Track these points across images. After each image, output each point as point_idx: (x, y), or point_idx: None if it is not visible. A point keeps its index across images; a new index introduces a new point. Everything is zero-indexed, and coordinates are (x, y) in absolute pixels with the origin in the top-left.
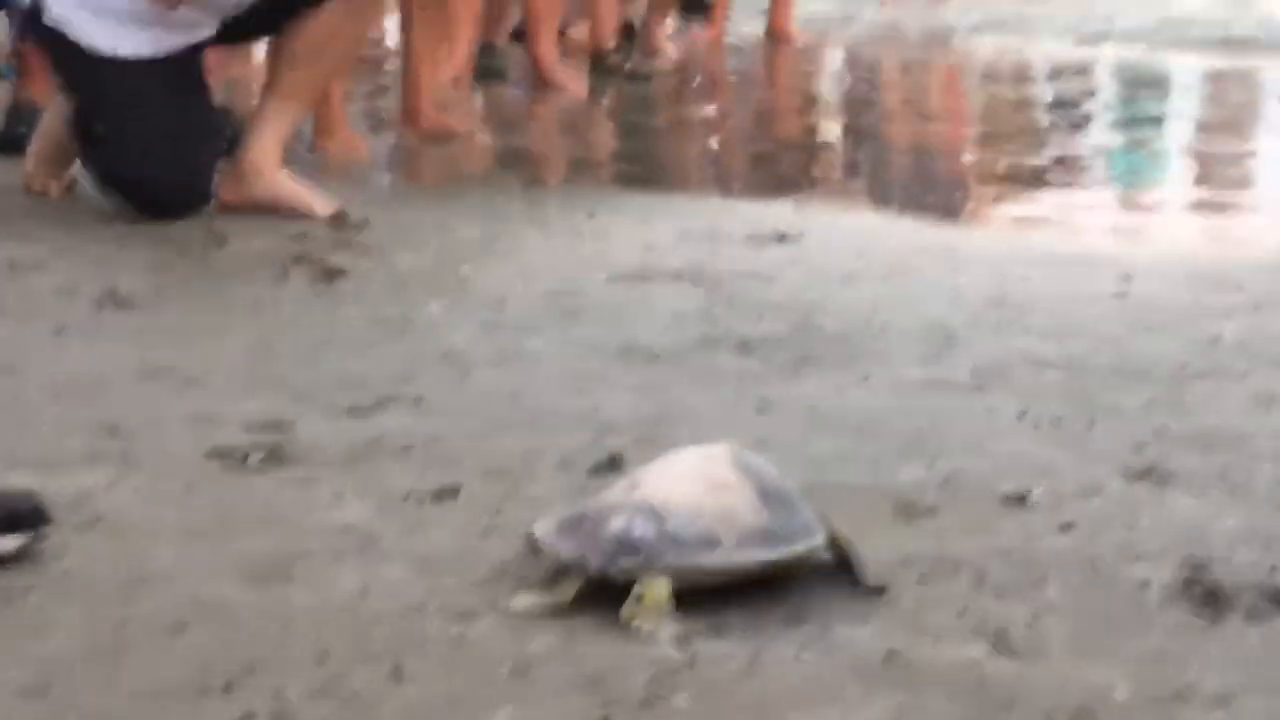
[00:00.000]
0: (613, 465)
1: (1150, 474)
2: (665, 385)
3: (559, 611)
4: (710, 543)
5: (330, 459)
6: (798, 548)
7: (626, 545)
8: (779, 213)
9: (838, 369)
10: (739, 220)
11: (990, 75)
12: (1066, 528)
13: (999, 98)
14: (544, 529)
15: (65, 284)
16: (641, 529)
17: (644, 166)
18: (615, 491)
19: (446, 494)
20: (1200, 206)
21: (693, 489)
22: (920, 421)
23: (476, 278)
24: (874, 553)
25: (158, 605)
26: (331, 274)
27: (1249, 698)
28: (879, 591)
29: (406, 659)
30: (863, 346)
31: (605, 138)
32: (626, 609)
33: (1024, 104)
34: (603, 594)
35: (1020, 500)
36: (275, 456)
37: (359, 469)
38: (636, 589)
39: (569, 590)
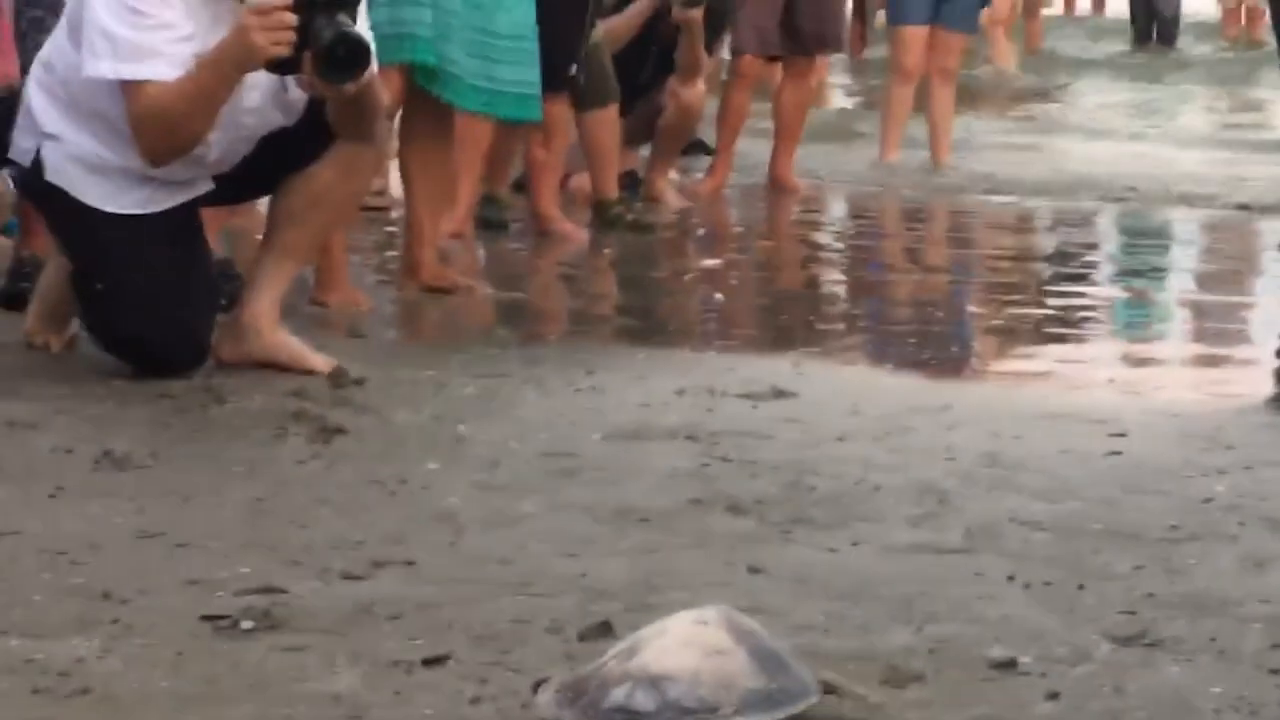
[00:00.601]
0: (603, 631)
1: (1139, 639)
2: (657, 548)
3: None
4: (711, 710)
5: (322, 625)
6: (796, 707)
7: (630, 718)
8: (776, 368)
9: (829, 531)
10: (737, 376)
11: (992, 226)
12: (1053, 695)
13: (1000, 248)
14: (544, 699)
15: (63, 443)
16: (643, 700)
17: (644, 320)
18: (612, 659)
19: (435, 662)
20: (1197, 360)
21: (690, 656)
22: (910, 585)
23: (473, 436)
24: None
25: None
26: (329, 433)
27: None
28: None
29: None
30: (854, 508)
31: (606, 290)
32: None
33: (1024, 255)
34: None
35: (1009, 666)
36: (267, 622)
37: (350, 635)
38: None
39: None
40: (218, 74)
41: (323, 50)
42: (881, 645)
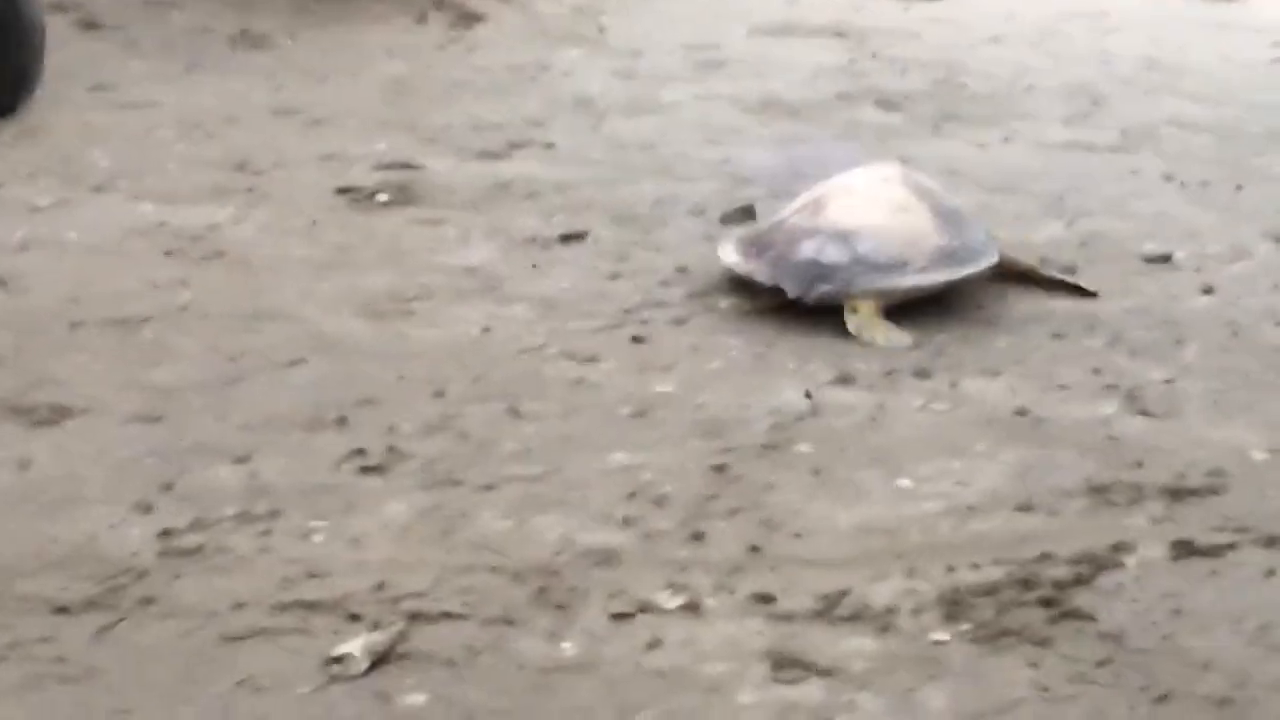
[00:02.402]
0: (746, 215)
1: None
2: (802, 139)
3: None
4: (900, 265)
5: (458, 201)
6: (980, 265)
7: (823, 271)
8: None
9: (981, 127)
10: None
11: None
12: (1208, 290)
13: None
14: (725, 252)
15: (200, 22)
16: (835, 254)
17: None
18: (795, 214)
19: (574, 238)
20: None
21: (876, 212)
22: (1063, 181)
23: (615, 27)
24: (1008, 307)
25: (275, 339)
26: (470, 19)
27: None
28: (1088, 293)
29: (524, 398)
30: (1007, 106)
31: None
32: (852, 322)
33: None
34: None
35: (1163, 260)
36: (403, 196)
37: (487, 211)
38: (845, 306)
39: (764, 306)
40: None
41: None
42: (1033, 236)
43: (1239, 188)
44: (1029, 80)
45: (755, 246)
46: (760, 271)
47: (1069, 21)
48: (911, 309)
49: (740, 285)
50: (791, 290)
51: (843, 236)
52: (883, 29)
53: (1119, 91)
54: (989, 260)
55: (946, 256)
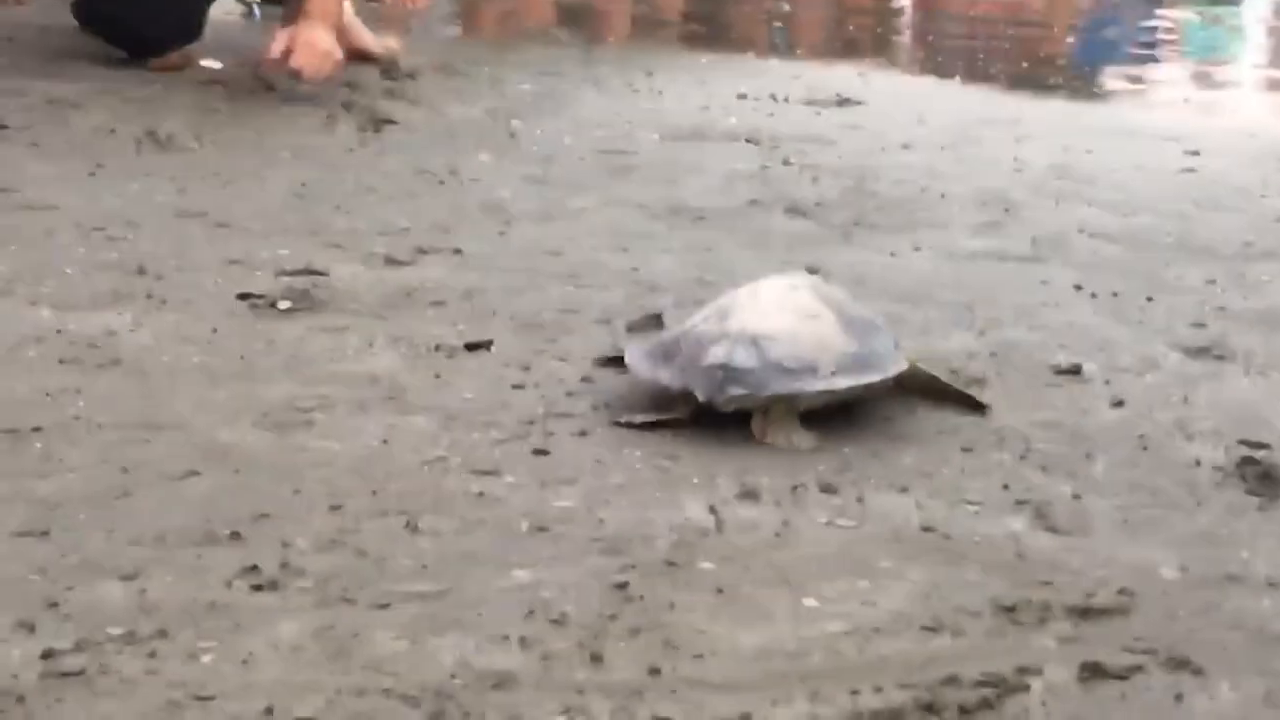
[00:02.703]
0: (653, 323)
1: (1208, 352)
2: (712, 246)
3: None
4: (810, 370)
5: (362, 307)
6: (889, 372)
7: (732, 375)
8: (842, 77)
9: (891, 235)
10: (800, 84)
11: None
12: (1118, 403)
13: None
14: (633, 359)
15: (105, 123)
16: (744, 358)
17: (709, 27)
18: (703, 321)
19: (478, 347)
20: (1272, 85)
21: (785, 318)
22: (973, 290)
23: (527, 132)
24: (917, 421)
25: (169, 450)
26: (380, 122)
27: None
28: (980, 407)
29: (423, 513)
30: (918, 214)
31: None
32: (755, 424)
33: None
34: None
35: (1073, 373)
36: (306, 302)
37: (391, 318)
38: (759, 409)
39: (675, 417)
40: None
41: None
42: (942, 347)
43: (1149, 299)
44: (940, 187)
45: (663, 353)
46: (668, 377)
47: (981, 128)
48: (818, 422)
49: (646, 395)
50: (701, 394)
51: (752, 341)
52: (795, 135)
53: (1030, 199)
54: (897, 368)
55: (855, 363)
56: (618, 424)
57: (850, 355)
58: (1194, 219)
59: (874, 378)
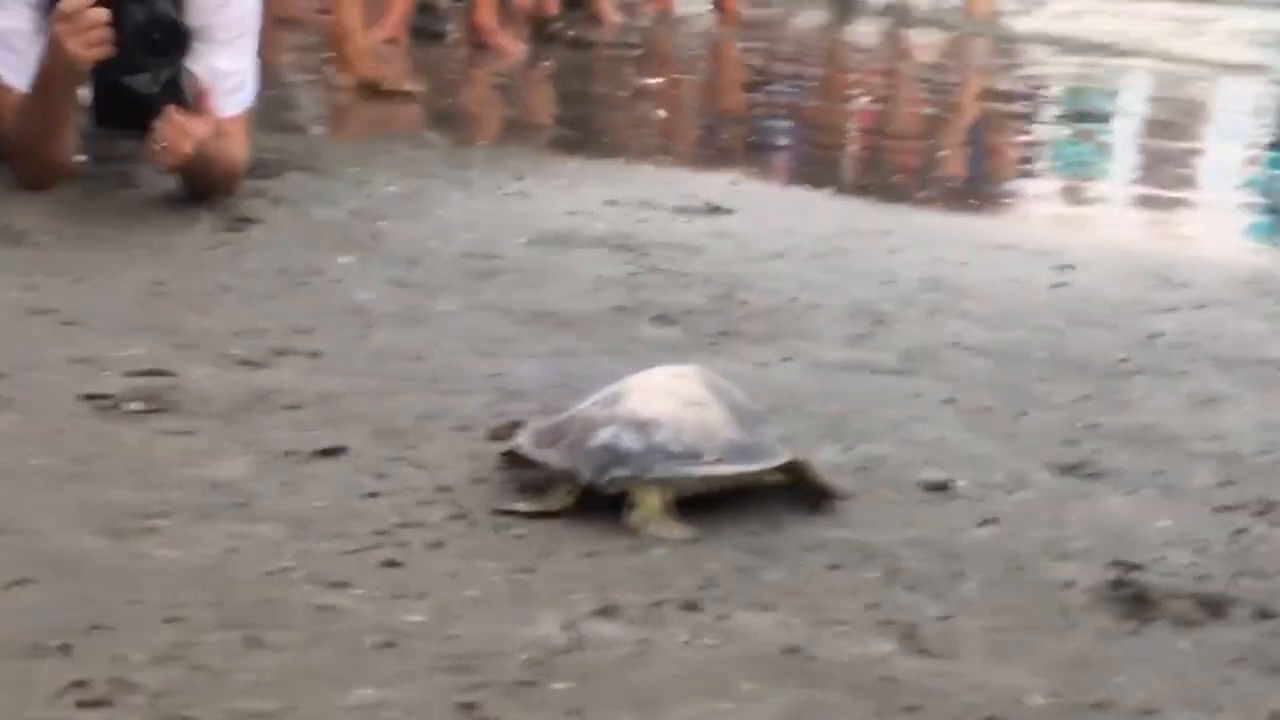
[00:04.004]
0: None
1: (1080, 470)
2: (576, 352)
3: (550, 515)
4: (694, 456)
5: (213, 411)
6: (773, 462)
7: (617, 457)
8: (712, 185)
9: (760, 345)
10: (671, 190)
11: (940, 63)
12: (989, 521)
13: (948, 84)
14: (522, 441)
15: None
16: (631, 442)
17: (579, 132)
18: (591, 405)
19: (332, 453)
20: (1144, 202)
21: (672, 405)
22: (841, 403)
23: (391, 234)
24: (783, 536)
25: (2, 556)
26: (241, 222)
27: (1175, 711)
28: (844, 497)
29: (265, 626)
30: (787, 324)
31: (541, 103)
32: (628, 516)
33: (975, 92)
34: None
35: (942, 489)
36: (155, 404)
37: (242, 423)
38: (630, 498)
39: (563, 499)
40: (48, 92)
41: (137, 35)
42: (810, 460)
43: (1020, 414)
44: (811, 298)
45: (549, 436)
46: (554, 458)
47: (851, 239)
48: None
49: (521, 487)
50: (586, 475)
51: (639, 425)
52: (664, 242)
53: (900, 312)
54: (782, 458)
55: (740, 451)
56: (498, 512)
57: (735, 443)
58: (1066, 334)
59: (758, 465)
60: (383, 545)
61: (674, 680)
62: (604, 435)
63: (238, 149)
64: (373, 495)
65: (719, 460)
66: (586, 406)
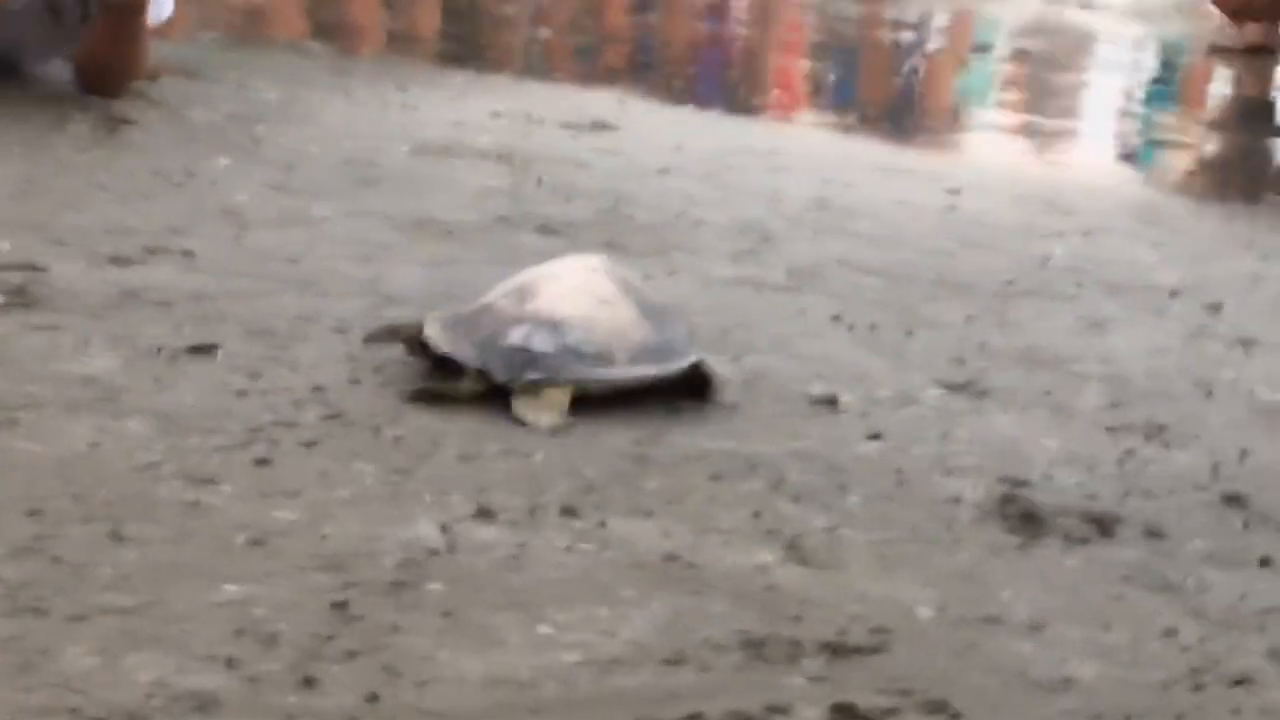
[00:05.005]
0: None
1: (968, 388)
2: (457, 260)
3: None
4: (605, 358)
5: (82, 307)
6: (681, 364)
7: (531, 359)
8: (600, 102)
9: (644, 258)
10: (557, 107)
11: None
12: (875, 436)
13: (842, 15)
14: (433, 332)
15: None
16: (542, 343)
17: (465, 46)
18: (503, 298)
19: (203, 350)
20: (1031, 130)
21: (584, 304)
22: (728, 317)
23: (270, 138)
24: (664, 445)
25: None
26: (116, 122)
27: (1062, 625)
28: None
29: (129, 521)
30: (673, 239)
31: (427, 17)
32: (519, 406)
33: (865, 22)
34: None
35: (828, 404)
36: (21, 299)
37: (112, 319)
38: (536, 390)
39: (471, 388)
40: None
41: None
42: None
43: (909, 333)
44: (696, 214)
45: (464, 328)
46: (466, 353)
47: (739, 157)
48: (560, 445)
49: (418, 371)
50: (499, 374)
51: (552, 326)
52: (550, 156)
53: (788, 230)
54: (691, 359)
55: (650, 352)
56: (409, 392)
57: (647, 345)
58: (955, 256)
59: (669, 368)
60: (254, 443)
61: (552, 584)
62: (516, 336)
63: (143, 56)
64: (244, 394)
65: (630, 362)
66: (497, 299)
